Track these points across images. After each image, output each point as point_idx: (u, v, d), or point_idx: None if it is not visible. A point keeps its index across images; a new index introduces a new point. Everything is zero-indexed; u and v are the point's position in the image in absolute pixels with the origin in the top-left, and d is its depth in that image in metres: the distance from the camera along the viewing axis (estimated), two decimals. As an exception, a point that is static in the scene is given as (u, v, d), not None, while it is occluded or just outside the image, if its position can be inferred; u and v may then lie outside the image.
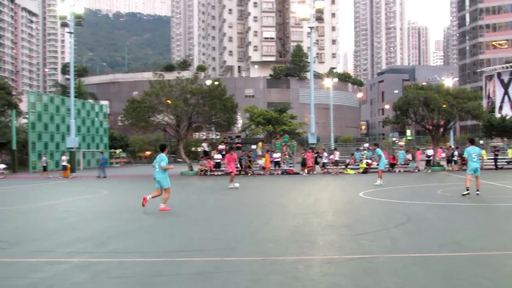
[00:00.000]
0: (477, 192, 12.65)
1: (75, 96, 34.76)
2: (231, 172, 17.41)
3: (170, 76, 38.54)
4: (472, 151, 12.95)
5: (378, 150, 18.52)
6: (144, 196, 10.83)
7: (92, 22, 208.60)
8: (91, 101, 50.77)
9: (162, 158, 10.82)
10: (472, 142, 13.87)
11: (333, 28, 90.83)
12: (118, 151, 53.11)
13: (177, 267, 5.59)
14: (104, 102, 55.68)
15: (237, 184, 16.87)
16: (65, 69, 75.63)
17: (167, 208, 10.63)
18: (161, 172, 10.76)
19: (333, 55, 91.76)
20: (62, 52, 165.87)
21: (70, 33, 32.25)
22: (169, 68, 74.29)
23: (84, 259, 6.07)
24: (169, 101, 28.74)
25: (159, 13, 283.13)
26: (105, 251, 6.54)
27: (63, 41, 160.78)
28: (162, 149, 11.18)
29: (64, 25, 32.32)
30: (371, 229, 7.90)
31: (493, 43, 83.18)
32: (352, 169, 28.45)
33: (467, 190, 12.57)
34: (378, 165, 19.01)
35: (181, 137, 29.98)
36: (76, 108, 36.30)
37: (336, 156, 28.23)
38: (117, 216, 10.55)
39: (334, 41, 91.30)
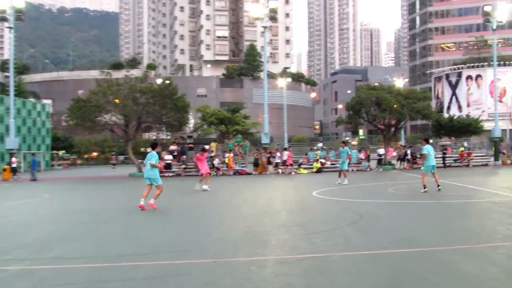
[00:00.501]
0: (439, 188, 13.26)
1: (15, 95, 32.70)
2: (207, 172, 16.59)
3: (118, 74, 37.29)
4: (430, 149, 13.67)
5: (347, 150, 18.96)
6: (140, 205, 10.75)
7: (33, 17, 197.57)
8: (32, 100, 48.10)
9: (152, 155, 11.02)
10: (427, 141, 14.54)
11: (287, 28, 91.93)
12: (61, 152, 50.70)
13: (126, 272, 5.34)
14: (47, 101, 53.02)
15: (205, 186, 16.03)
16: (4, 66, 70.89)
17: (154, 206, 10.77)
18: (150, 170, 10.96)
19: (287, 55, 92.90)
20: (1, 48, 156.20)
21: (10, 28, 30.52)
22: (117, 66, 72.08)
23: (23, 266, 5.66)
24: (117, 100, 27.84)
25: (106, 9, 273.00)
26: (47, 257, 6.13)
27: (1, 36, 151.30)
28: (153, 147, 11.39)
29: (3, 19, 30.66)
30: (324, 228, 7.97)
31: (442, 45, 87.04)
32: (305, 168, 28.87)
33: (425, 188, 13.08)
34: (340, 164, 18.65)
35: (130, 138, 29.12)
36: (15, 107, 34.31)
37: (284, 156, 27.77)
38: (59, 220, 10.03)
39: (288, 41, 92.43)
